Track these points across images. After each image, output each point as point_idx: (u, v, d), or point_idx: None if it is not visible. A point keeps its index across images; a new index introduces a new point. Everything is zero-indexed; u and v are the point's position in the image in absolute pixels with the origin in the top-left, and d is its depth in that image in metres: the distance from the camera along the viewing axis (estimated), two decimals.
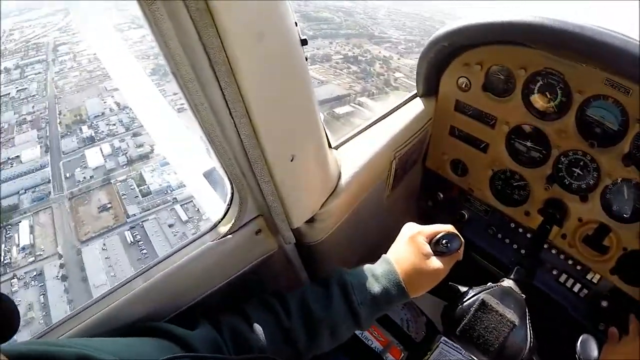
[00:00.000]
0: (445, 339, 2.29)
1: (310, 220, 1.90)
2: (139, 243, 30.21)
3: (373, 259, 1.75)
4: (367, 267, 1.73)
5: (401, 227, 1.79)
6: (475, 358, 2.08)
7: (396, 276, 1.66)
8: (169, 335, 1.39)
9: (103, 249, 30.02)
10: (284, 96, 1.43)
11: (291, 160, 1.57)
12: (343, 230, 2.08)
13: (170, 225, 31.09)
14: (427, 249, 1.70)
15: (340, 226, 2.05)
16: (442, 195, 2.65)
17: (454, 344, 2.27)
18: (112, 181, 35.61)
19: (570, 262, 2.25)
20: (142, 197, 34.04)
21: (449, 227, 1.78)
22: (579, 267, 2.23)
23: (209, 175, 2.17)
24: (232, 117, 1.33)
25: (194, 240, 1.67)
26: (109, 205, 33.64)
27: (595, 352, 1.69)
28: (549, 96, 1.96)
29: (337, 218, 2.02)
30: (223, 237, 1.69)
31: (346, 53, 56.99)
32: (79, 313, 1.45)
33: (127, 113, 42.49)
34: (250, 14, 1.17)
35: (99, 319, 1.43)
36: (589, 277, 2.22)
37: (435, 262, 1.68)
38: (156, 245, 29.50)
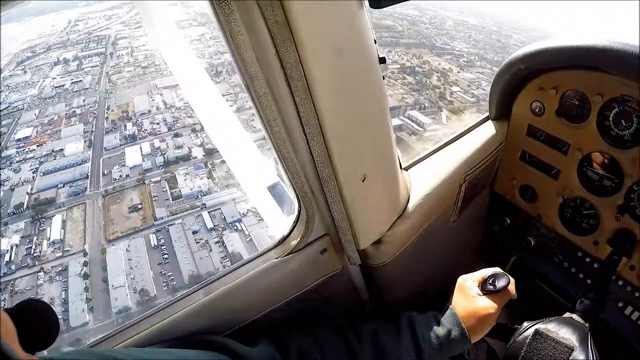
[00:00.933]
0: None
1: (377, 242, 1.90)
2: (162, 247, 30.53)
3: (436, 283, 1.83)
4: (431, 313, 1.87)
5: (466, 253, 1.93)
6: None
7: (457, 317, 1.80)
8: (228, 350, 1.41)
9: (127, 250, 30.51)
10: (359, 115, 1.42)
11: (363, 181, 1.57)
12: (408, 254, 2.07)
13: (195, 232, 31.43)
14: (475, 290, 1.86)
15: (406, 249, 2.05)
16: (508, 221, 2.62)
17: None
18: (145, 182, 36.11)
19: (637, 294, 2.20)
20: (173, 200, 34.43)
21: (497, 269, 1.91)
22: None
23: (272, 189, 2.19)
24: (305, 135, 1.33)
25: (258, 256, 1.69)
26: (139, 206, 34.11)
27: None
28: (624, 124, 1.92)
29: (404, 241, 2.01)
30: (288, 254, 1.69)
31: (404, 63, 55.58)
32: (138, 323, 1.48)
33: (172, 112, 43.08)
34: (330, 29, 1.16)
35: (158, 329, 1.46)
36: None
37: (484, 302, 1.81)
38: (177, 250, 29.88)
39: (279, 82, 1.19)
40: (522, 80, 2.10)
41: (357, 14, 1.21)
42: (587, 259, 2.32)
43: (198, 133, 40.48)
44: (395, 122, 42.84)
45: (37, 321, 0.87)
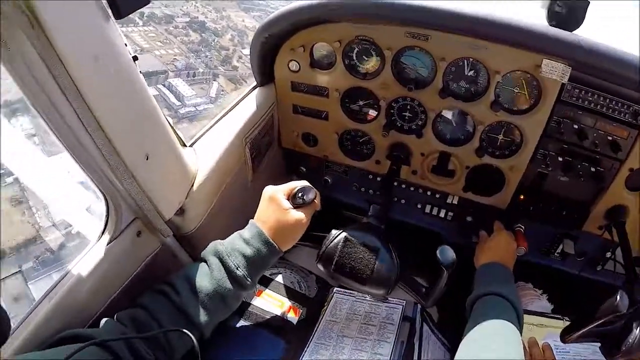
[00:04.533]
0: (338, 288, 2.49)
1: (181, 212, 2.03)
2: None
3: None
4: (237, 233, 1.92)
5: None
6: (368, 296, 2.38)
7: (263, 235, 1.86)
8: (76, 339, 1.48)
9: None
10: (127, 106, 1.60)
11: (147, 159, 1.71)
12: (216, 216, 2.23)
13: None
14: (286, 203, 1.92)
15: (212, 212, 2.21)
16: (304, 169, 2.91)
17: (347, 290, 2.46)
18: None
19: (429, 193, 2.65)
20: None
21: (304, 182, 2.02)
22: (437, 195, 2.62)
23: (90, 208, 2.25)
24: (89, 133, 1.47)
25: (84, 255, 1.75)
26: None
27: (452, 255, 1.96)
28: (366, 59, 2.29)
29: (205, 205, 2.17)
30: (107, 244, 1.78)
31: (196, 16, 46.41)
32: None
33: None
34: (85, 43, 1.35)
35: (20, 344, 1.49)
36: (449, 201, 2.61)
37: (295, 214, 1.90)
38: None
39: (57, 94, 1.35)
40: (273, 46, 2.35)
41: (105, 25, 1.40)
42: (378, 178, 2.70)
43: None
44: (151, 92, 34.27)
45: None
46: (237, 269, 1.80)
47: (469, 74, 2.16)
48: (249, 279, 1.83)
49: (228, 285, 1.79)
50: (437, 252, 1.97)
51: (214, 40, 44.14)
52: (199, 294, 1.76)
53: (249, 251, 1.84)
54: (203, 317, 1.75)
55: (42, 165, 2.38)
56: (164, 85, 34.29)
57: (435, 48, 2.11)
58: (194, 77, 37.94)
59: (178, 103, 33.77)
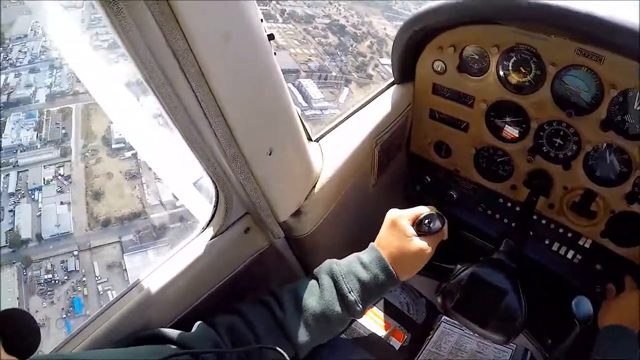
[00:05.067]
0: (446, 318, 2.37)
1: (297, 213, 1.95)
2: None
3: (363, 247, 1.81)
4: (354, 255, 1.80)
5: None
6: (476, 333, 2.19)
7: (383, 261, 1.73)
8: (165, 339, 1.45)
9: None
10: (256, 92, 1.48)
11: (269, 154, 1.62)
12: (332, 221, 2.14)
13: None
14: (410, 230, 1.77)
15: (329, 217, 2.11)
16: (429, 179, 2.71)
17: (455, 322, 2.34)
18: None
19: (561, 230, 2.34)
20: None
21: (431, 208, 1.86)
22: (570, 235, 2.32)
23: (198, 184, 2.20)
24: (207, 117, 1.38)
25: (185, 246, 1.71)
26: None
27: (589, 309, 1.78)
28: (523, 71, 2.04)
29: (324, 209, 2.08)
30: (212, 238, 1.73)
31: (337, 19, 45.02)
32: (81, 331, 1.50)
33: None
34: (215, 15, 1.22)
35: (100, 334, 1.48)
36: (580, 242, 2.31)
37: (419, 243, 1.75)
38: None
39: (175, 71, 1.26)
40: (420, 42, 2.18)
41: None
42: (509, 204, 2.46)
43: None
44: None
45: (19, 329, 0.92)
46: (350, 292, 1.71)
47: (638, 109, 1.87)
48: (360, 305, 1.72)
49: (337, 308, 1.71)
50: (573, 303, 1.83)
51: (352, 45, 43.46)
52: (304, 312, 1.70)
53: (365, 276, 1.73)
54: (303, 337, 1.69)
55: (165, 143, 2.31)
56: (293, 84, 35.34)
57: (606, 72, 1.83)
58: (325, 79, 38.20)
59: (305, 104, 34.47)
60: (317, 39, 42.40)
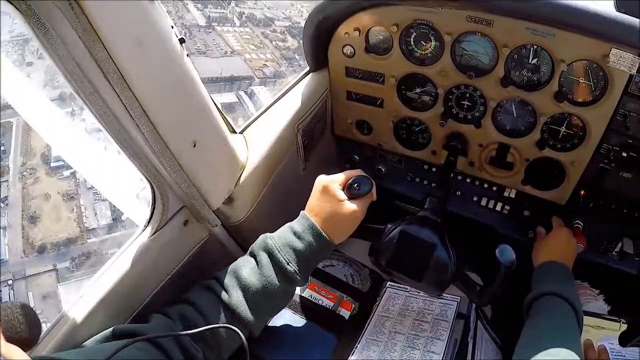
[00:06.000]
0: (391, 283, 2.46)
1: (230, 201, 2.02)
2: None
3: None
4: (287, 226, 1.87)
5: None
6: (421, 292, 2.35)
7: (315, 228, 1.80)
8: (125, 334, 1.50)
9: None
10: (173, 92, 1.58)
11: (194, 147, 1.70)
12: (265, 205, 2.22)
13: None
14: (341, 194, 1.85)
15: (262, 201, 2.20)
16: (357, 158, 2.84)
17: (400, 285, 2.43)
18: None
19: (485, 185, 2.55)
20: None
21: (359, 171, 1.97)
22: (494, 188, 2.52)
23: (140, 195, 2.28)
24: (133, 118, 1.46)
25: (127, 247, 1.76)
26: None
27: (512, 255, 1.84)
28: (424, 44, 2.20)
29: (254, 194, 2.16)
30: (153, 234, 1.78)
31: (298, 22, 45.22)
32: (46, 336, 1.52)
33: None
34: (127, 24, 1.33)
35: (63, 338, 1.51)
36: (506, 194, 2.51)
37: (350, 205, 1.84)
38: None
39: (100, 79, 1.34)
40: (327, 30, 2.29)
41: (148, 7, 1.38)
42: (433, 169, 2.63)
43: None
44: (229, 97, 33.93)
45: (21, 322, 0.94)
46: (287, 264, 1.76)
47: (532, 62, 2.05)
48: (300, 275, 1.78)
49: (277, 282, 1.76)
50: (497, 251, 1.86)
51: None
52: (247, 291, 1.73)
53: (300, 245, 1.79)
54: (252, 315, 1.73)
55: (102, 159, 2.39)
56: (245, 92, 34.50)
57: (498, 34, 2.00)
58: (280, 86, 35.19)
59: (254, 111, 31.29)
60: (274, 43, 42.25)
